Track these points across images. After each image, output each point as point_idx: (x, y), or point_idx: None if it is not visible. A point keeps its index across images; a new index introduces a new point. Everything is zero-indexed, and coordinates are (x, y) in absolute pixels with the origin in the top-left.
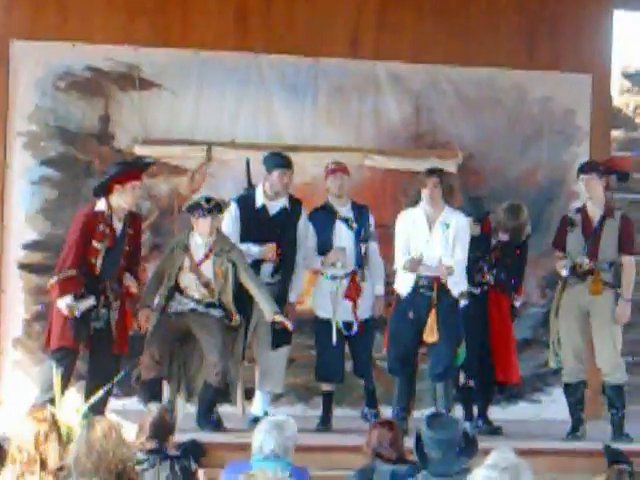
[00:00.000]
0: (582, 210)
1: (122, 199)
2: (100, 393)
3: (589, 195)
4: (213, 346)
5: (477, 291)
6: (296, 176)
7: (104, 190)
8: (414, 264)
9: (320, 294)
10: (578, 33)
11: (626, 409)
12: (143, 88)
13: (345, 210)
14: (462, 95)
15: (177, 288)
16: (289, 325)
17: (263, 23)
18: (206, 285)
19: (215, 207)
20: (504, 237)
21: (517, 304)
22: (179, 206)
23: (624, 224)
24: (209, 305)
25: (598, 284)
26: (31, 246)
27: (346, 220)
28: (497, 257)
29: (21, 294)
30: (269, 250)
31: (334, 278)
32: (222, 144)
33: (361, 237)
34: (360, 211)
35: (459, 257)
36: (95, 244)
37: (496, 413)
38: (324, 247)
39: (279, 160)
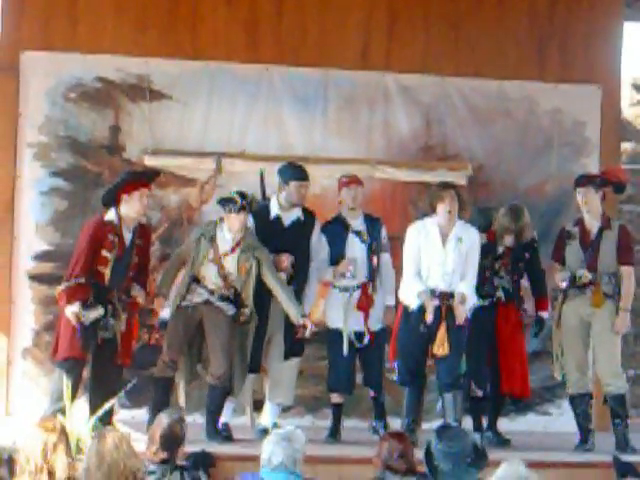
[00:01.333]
0: (580, 222)
1: (130, 208)
2: (109, 404)
3: (587, 208)
4: (219, 347)
5: (486, 303)
6: None
7: (111, 199)
8: (431, 305)
9: (332, 305)
10: (588, 45)
11: (635, 421)
12: (153, 99)
13: (358, 223)
14: (472, 107)
15: (194, 277)
16: (309, 328)
17: (273, 35)
18: (224, 278)
19: (248, 203)
20: (509, 240)
21: (545, 315)
22: (188, 218)
23: (622, 235)
24: (222, 298)
25: (599, 296)
26: (41, 257)
27: (358, 233)
28: (506, 264)
29: (31, 305)
30: (283, 259)
31: (345, 289)
32: (232, 155)
33: (373, 250)
34: (372, 223)
35: (472, 276)
36: (104, 253)
37: (505, 425)
38: (336, 259)
39: (297, 172)
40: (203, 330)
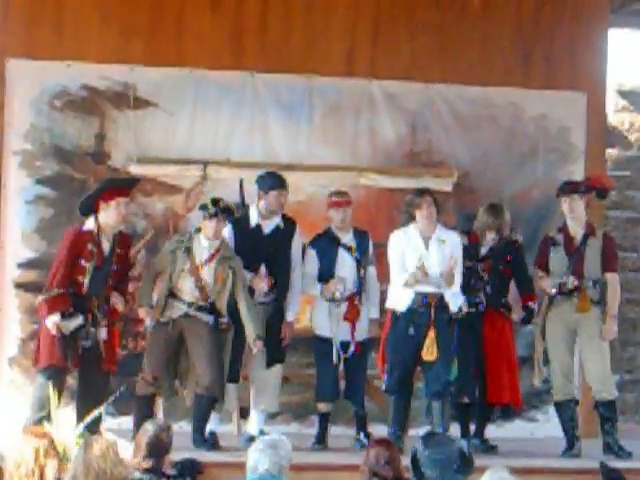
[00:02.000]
0: (564, 229)
1: (108, 217)
2: (95, 413)
3: (572, 215)
4: (204, 356)
5: (472, 310)
6: (291, 194)
7: (89, 208)
8: (420, 273)
9: (319, 314)
10: (573, 51)
11: (622, 427)
12: (138, 107)
13: (348, 238)
14: (457, 113)
15: (171, 291)
16: (257, 348)
17: (258, 42)
18: (201, 289)
19: (223, 210)
20: (491, 237)
21: (532, 305)
22: (174, 225)
23: (606, 242)
24: (200, 308)
25: (586, 302)
26: (27, 265)
27: (349, 248)
28: (489, 267)
29: (17, 313)
30: (260, 283)
31: (333, 300)
32: (217, 163)
33: (362, 264)
34: (362, 238)
35: (458, 277)
36: (83, 263)
37: (491, 431)
38: (326, 274)
39: (276, 181)
40: (182, 345)
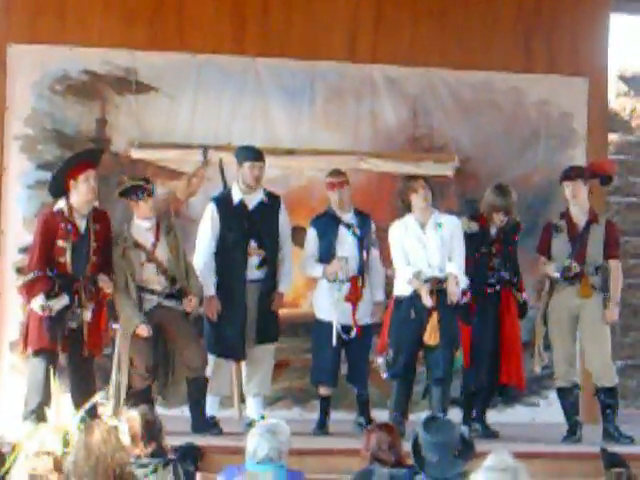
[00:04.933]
0: (566, 215)
1: (79, 193)
2: (95, 399)
3: (575, 201)
4: (188, 340)
5: (490, 290)
6: (293, 179)
7: (60, 188)
8: (419, 282)
9: (321, 296)
10: (575, 36)
11: (623, 412)
12: (140, 92)
13: (348, 217)
14: (459, 98)
15: (138, 286)
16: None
17: (260, 27)
18: (164, 272)
19: (153, 187)
20: (499, 218)
21: (526, 298)
22: (175, 210)
23: (609, 229)
24: (169, 296)
25: (588, 287)
26: (28, 250)
27: (349, 226)
28: (499, 249)
29: (18, 298)
30: (211, 307)
31: (335, 281)
32: (219, 148)
33: (364, 244)
34: (363, 218)
35: (460, 259)
36: (59, 243)
37: (493, 416)
38: (327, 254)
39: (250, 153)
40: (161, 334)
